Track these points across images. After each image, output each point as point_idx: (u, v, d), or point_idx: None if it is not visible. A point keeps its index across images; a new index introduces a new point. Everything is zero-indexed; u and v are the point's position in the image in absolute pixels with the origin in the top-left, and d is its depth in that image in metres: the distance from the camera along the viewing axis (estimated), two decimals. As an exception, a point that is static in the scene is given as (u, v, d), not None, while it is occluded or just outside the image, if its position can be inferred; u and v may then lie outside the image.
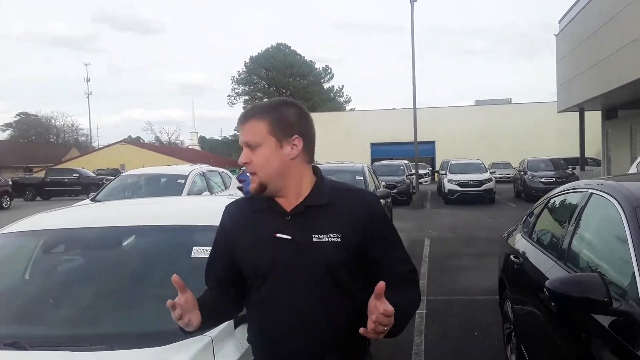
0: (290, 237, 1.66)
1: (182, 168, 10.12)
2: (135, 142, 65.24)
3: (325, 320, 1.66)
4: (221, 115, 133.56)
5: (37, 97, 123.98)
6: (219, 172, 11.11)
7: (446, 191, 20.96)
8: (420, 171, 31.73)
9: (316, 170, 1.77)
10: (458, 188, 20.50)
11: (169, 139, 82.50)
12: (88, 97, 67.81)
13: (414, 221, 15.30)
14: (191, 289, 2.64)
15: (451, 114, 42.98)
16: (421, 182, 30.60)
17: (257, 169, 1.68)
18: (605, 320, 2.23)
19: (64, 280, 2.78)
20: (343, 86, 70.54)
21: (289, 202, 1.70)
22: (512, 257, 4.13)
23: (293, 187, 1.70)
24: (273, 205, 1.71)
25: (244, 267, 1.74)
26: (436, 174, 29.95)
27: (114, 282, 2.63)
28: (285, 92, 64.35)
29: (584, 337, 2.46)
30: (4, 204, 24.11)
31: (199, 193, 9.51)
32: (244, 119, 1.69)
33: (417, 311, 6.17)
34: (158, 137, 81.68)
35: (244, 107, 64.28)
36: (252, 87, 65.14)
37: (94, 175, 32.11)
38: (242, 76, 65.17)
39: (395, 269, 1.75)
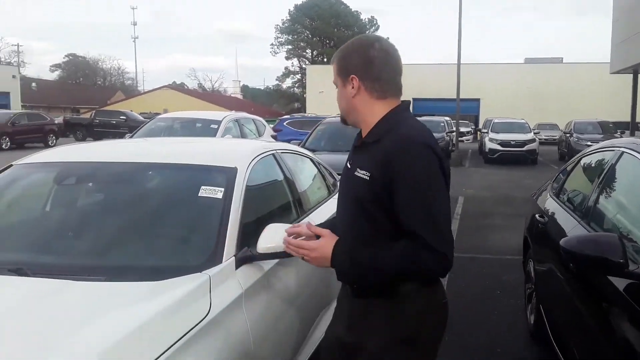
0: (349, 167, 1.87)
1: (217, 114, 10.11)
2: (178, 87, 65.80)
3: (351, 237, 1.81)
4: (264, 65, 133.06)
5: (85, 39, 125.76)
6: (253, 120, 11.07)
7: (487, 150, 20.48)
8: (463, 129, 31.16)
9: (394, 109, 1.82)
10: (499, 147, 19.99)
11: (212, 86, 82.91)
12: (134, 41, 68.58)
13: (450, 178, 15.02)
14: (197, 226, 2.67)
15: (499, 71, 41.59)
16: (462, 140, 30.05)
17: (339, 104, 1.90)
18: (620, 283, 2.11)
19: (74, 213, 2.81)
20: (388, 38, 68.75)
21: (364, 134, 1.86)
22: (537, 216, 3.98)
23: (362, 122, 1.85)
24: (358, 135, 1.91)
25: None
26: (478, 133, 29.26)
27: (123, 216, 2.63)
28: (329, 42, 63.41)
29: (600, 300, 2.35)
30: (49, 142, 24.86)
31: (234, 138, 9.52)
32: (332, 60, 1.92)
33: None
34: (201, 83, 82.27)
35: (286, 57, 63.92)
36: (295, 37, 64.27)
37: (141, 118, 32.64)
38: (286, 25, 64.31)
39: (405, 220, 1.66)
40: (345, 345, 1.86)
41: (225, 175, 2.69)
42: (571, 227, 3.07)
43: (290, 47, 63.90)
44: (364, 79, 1.81)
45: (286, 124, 18.89)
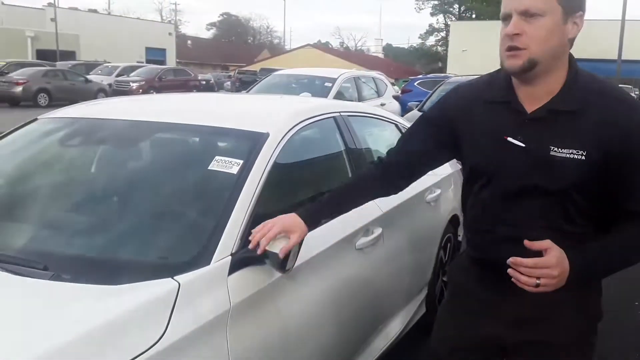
0: (524, 145, 1.44)
1: (334, 71, 9.50)
2: (319, 46, 66.12)
3: (539, 235, 1.39)
4: (407, 23, 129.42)
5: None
6: (373, 78, 10.31)
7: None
8: (625, 95, 27.67)
9: (572, 63, 1.46)
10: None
11: (355, 45, 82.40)
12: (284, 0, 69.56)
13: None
14: (193, 210, 2.11)
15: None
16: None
17: (532, 42, 1.37)
18: None
19: (42, 181, 2.30)
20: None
21: (535, 98, 1.43)
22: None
23: (554, 77, 1.42)
24: (513, 100, 1.46)
25: (466, 162, 1.59)
26: (644, 99, 25.74)
27: (102, 191, 2.13)
28: (480, -4, 59.58)
29: None
30: (193, 97, 26.04)
31: (350, 98, 8.91)
32: None
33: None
34: (343, 42, 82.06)
35: (431, 13, 61.19)
36: (442, -10, 60.97)
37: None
38: (434, -22, 61.16)
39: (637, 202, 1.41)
40: (504, 347, 1.59)
41: (250, 143, 2.08)
42: None
43: (436, 2, 60.90)
44: (581, 24, 1.43)
45: (417, 84, 17.67)
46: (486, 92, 1.54)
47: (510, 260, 1.37)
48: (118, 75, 25.69)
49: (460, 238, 4.20)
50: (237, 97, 3.51)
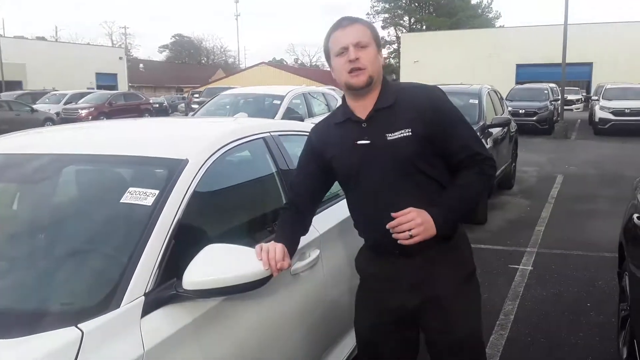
0: (369, 141, 1.88)
1: (282, 88, 9.39)
2: (274, 63, 66.13)
3: (410, 204, 1.83)
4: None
5: (191, 18, 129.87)
6: (322, 93, 10.28)
7: (597, 120, 18.25)
8: (572, 97, 28.55)
9: (384, 78, 1.96)
10: (611, 117, 17.73)
11: (310, 60, 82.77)
12: (237, 19, 69.60)
13: (551, 154, 13.49)
14: (102, 247, 1.98)
15: (615, 32, 37.24)
16: (571, 109, 27.49)
17: (367, 63, 1.86)
18: None
19: None
20: (492, 0, 64.29)
21: (365, 108, 1.90)
22: (635, 216, 2.92)
23: (376, 90, 1.90)
24: (350, 116, 1.93)
25: (338, 173, 1.99)
26: (589, 101, 26.52)
27: (6, 233, 1.97)
28: (428, 8, 60.69)
29: None
30: (146, 122, 25.57)
31: (299, 115, 8.85)
32: (350, 21, 1.91)
33: (520, 267, 5.09)
34: (298, 58, 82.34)
35: (382, 26, 61.93)
36: (392, 4, 61.81)
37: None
38: (384, -8, 62.10)
39: (460, 151, 1.89)
40: (409, 310, 1.95)
41: (167, 172, 1.97)
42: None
43: (386, 15, 61.76)
44: (381, 58, 1.98)
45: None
46: (333, 118, 2.01)
47: (387, 226, 1.81)
48: (66, 102, 25.06)
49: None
50: (164, 122, 3.34)
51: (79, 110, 23.15)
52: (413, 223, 1.78)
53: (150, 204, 1.82)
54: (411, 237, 1.78)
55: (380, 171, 1.87)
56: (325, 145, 1.97)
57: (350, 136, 1.90)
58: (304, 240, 2.32)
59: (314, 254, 2.39)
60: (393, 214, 1.80)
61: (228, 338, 1.84)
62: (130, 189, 1.90)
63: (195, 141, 2.26)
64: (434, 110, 1.85)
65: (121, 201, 1.87)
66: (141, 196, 1.87)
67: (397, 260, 1.91)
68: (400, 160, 1.84)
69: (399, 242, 1.80)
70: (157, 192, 1.87)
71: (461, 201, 1.89)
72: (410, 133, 1.82)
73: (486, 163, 1.92)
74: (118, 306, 1.56)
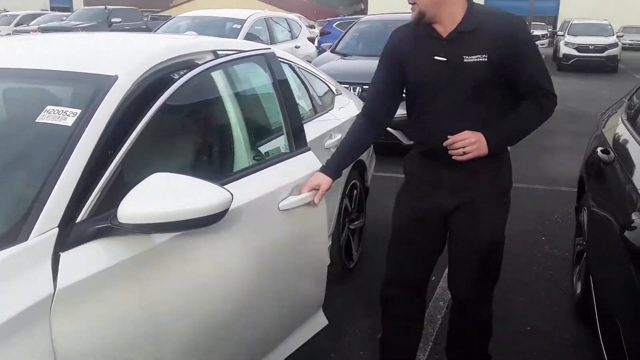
0: (445, 59, 1.97)
1: (243, 12, 8.89)
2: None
3: (471, 127, 1.97)
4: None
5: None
6: (285, 19, 9.84)
7: (561, 56, 18.23)
8: (537, 32, 28.30)
9: (469, 1, 2.00)
10: (575, 53, 17.72)
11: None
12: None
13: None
14: (11, 174, 1.76)
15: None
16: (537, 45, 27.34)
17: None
18: None
19: None
20: None
21: (445, 28, 1.97)
22: (599, 150, 2.83)
23: (447, 15, 1.95)
24: (432, 32, 1.99)
25: (410, 85, 2.09)
26: (555, 36, 26.41)
27: None
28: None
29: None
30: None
31: (262, 41, 8.44)
32: None
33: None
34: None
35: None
36: None
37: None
38: None
39: (527, 83, 1.98)
40: (444, 212, 2.11)
41: (92, 89, 1.72)
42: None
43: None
44: None
45: (335, 25, 17.07)
46: (414, 30, 2.05)
47: (445, 143, 1.97)
48: (17, 24, 23.60)
49: (368, 184, 4.00)
50: (99, 37, 3.02)
51: (31, 33, 21.89)
52: (467, 142, 1.93)
53: (70, 125, 1.61)
54: (464, 153, 1.94)
55: (451, 90, 1.98)
56: (404, 52, 2.06)
57: (430, 50, 1.98)
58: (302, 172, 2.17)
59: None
60: (450, 137, 1.95)
61: (178, 280, 1.67)
62: (49, 107, 1.67)
63: (129, 56, 2.00)
64: (514, 37, 1.94)
65: (37, 120, 1.64)
66: (60, 115, 1.65)
67: (443, 167, 2.06)
68: (471, 84, 1.94)
69: (453, 158, 1.96)
70: (79, 111, 1.65)
71: (516, 130, 2.03)
72: (486, 59, 1.91)
73: (549, 98, 2.01)
74: (27, 238, 1.37)
